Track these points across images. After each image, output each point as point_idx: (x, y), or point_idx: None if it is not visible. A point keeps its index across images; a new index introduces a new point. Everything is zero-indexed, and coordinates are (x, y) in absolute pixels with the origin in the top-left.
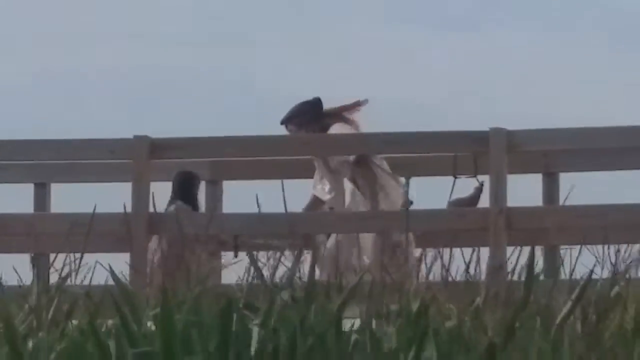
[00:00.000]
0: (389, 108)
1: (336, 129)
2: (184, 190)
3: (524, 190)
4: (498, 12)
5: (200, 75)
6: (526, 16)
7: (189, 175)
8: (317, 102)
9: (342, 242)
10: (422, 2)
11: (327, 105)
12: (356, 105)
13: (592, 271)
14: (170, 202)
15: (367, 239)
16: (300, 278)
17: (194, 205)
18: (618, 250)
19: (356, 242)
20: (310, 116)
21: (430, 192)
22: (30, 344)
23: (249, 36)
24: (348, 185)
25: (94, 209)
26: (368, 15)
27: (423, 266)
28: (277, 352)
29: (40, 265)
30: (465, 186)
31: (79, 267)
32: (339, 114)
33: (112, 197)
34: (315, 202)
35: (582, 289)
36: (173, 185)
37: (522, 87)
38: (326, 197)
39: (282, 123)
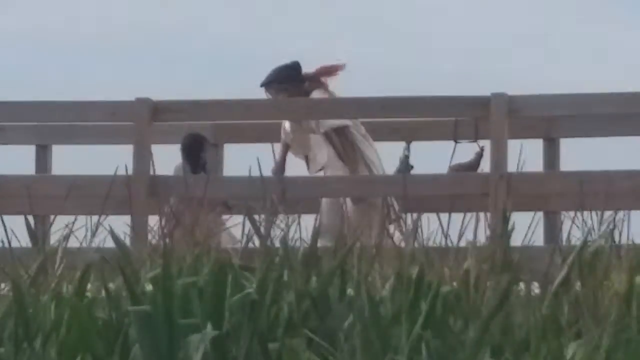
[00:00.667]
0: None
1: (316, 94)
2: (190, 153)
3: (525, 154)
4: None
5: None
6: None
7: (196, 138)
8: (295, 66)
9: (331, 206)
10: None
11: (305, 68)
12: (334, 69)
13: (587, 236)
14: (180, 165)
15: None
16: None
17: (202, 168)
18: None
19: (340, 208)
20: (289, 80)
21: (431, 157)
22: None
23: None
24: (323, 149)
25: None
26: None
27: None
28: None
29: (39, 228)
30: (466, 151)
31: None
32: (317, 78)
33: (113, 160)
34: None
35: (578, 253)
36: (182, 148)
37: None
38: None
39: (261, 86)
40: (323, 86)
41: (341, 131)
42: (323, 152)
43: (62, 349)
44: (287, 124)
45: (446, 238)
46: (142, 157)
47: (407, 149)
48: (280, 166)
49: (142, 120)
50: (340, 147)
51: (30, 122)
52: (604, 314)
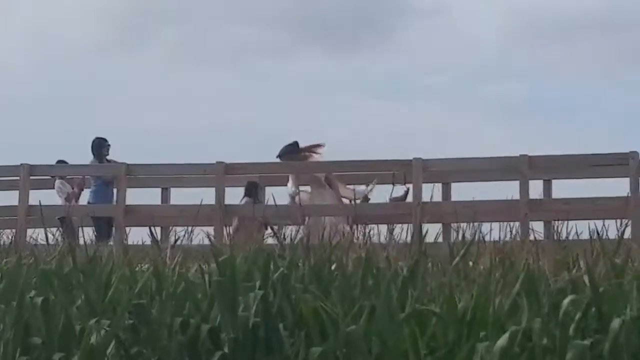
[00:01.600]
0: None
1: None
2: (251, 191)
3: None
4: None
5: None
6: None
7: (254, 184)
8: (295, 145)
9: (315, 221)
10: None
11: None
12: (317, 145)
13: (469, 239)
14: (242, 198)
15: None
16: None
17: (257, 201)
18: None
19: (322, 222)
20: (292, 153)
21: (380, 194)
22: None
23: None
24: (315, 189)
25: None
26: None
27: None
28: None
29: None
30: (398, 190)
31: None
32: (308, 150)
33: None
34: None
35: (466, 248)
36: (245, 189)
37: None
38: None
39: (277, 157)
40: (313, 154)
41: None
42: (320, 192)
43: (177, 301)
44: (290, 178)
45: (390, 238)
46: (220, 194)
47: (370, 188)
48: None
49: (220, 174)
50: (331, 186)
51: (158, 175)
52: (479, 275)
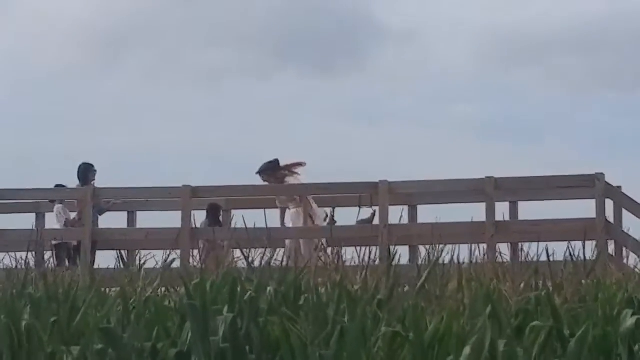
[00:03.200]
0: None
1: (289, 179)
2: (212, 215)
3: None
4: None
5: None
6: None
7: (216, 206)
8: (275, 161)
9: (292, 243)
10: None
11: (282, 162)
12: (298, 164)
13: (435, 261)
14: (205, 222)
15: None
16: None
17: (218, 224)
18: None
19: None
20: (272, 170)
21: (347, 216)
22: None
23: None
24: (292, 209)
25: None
26: None
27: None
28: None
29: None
30: (365, 212)
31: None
32: (288, 168)
33: (171, 219)
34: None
35: (430, 269)
36: (206, 212)
37: None
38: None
39: (256, 173)
40: (293, 173)
41: (305, 199)
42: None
43: (147, 324)
44: (277, 200)
45: (359, 259)
46: (186, 218)
47: (333, 211)
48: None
49: (187, 197)
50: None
51: (126, 199)
52: (447, 298)
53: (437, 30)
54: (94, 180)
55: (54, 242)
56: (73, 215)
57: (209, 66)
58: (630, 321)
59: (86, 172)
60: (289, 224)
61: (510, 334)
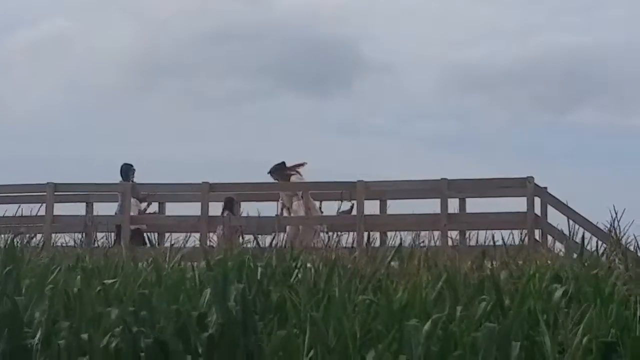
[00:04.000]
0: None
1: (293, 178)
2: (229, 206)
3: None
4: None
5: None
6: None
7: (231, 199)
8: (282, 163)
9: (292, 229)
10: None
11: (288, 164)
12: (300, 164)
13: (400, 243)
14: (222, 212)
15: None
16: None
17: (233, 214)
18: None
19: (298, 230)
20: (280, 170)
21: (331, 208)
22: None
23: None
24: (295, 202)
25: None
26: None
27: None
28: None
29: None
30: (345, 205)
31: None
32: (292, 169)
33: (192, 209)
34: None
35: (396, 250)
36: (224, 203)
37: None
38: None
39: (268, 173)
40: (297, 172)
41: (304, 194)
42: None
43: (172, 292)
44: (283, 195)
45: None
46: (204, 209)
47: (320, 205)
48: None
49: (205, 191)
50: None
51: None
52: (410, 274)
53: (409, 64)
54: (133, 177)
55: (132, 227)
56: (144, 205)
57: (226, 92)
58: (557, 293)
59: (127, 170)
60: (291, 214)
61: (465, 302)
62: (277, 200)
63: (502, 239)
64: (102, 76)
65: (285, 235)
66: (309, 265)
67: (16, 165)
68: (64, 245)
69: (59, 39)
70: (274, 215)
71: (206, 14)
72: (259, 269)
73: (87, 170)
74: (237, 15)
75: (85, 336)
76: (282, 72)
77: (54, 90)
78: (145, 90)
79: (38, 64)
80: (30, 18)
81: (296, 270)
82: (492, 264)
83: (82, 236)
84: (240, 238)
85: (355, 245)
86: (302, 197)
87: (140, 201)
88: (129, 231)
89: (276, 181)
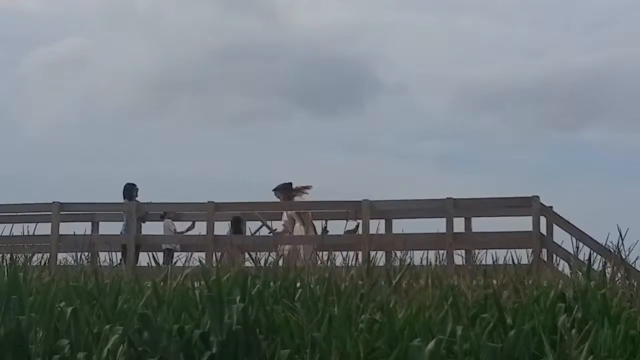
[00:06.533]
0: None
1: (296, 197)
2: (235, 225)
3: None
4: None
5: None
6: None
7: (238, 219)
8: (289, 184)
9: (293, 248)
10: None
11: (295, 185)
12: (306, 187)
13: (406, 262)
14: (228, 230)
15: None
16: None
17: (240, 233)
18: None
19: (298, 248)
20: (285, 190)
21: (337, 227)
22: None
23: None
24: (297, 224)
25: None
26: None
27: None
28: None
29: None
30: (351, 224)
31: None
32: (298, 190)
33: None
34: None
35: (403, 270)
36: (230, 223)
37: None
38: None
39: (272, 190)
40: (301, 194)
41: (304, 214)
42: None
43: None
44: (284, 214)
45: (345, 261)
46: (210, 228)
47: (326, 223)
48: (287, 229)
49: (211, 211)
50: (302, 220)
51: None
52: (415, 293)
53: (421, 84)
54: (136, 196)
55: (164, 247)
56: (174, 224)
57: (240, 110)
58: (563, 315)
59: (130, 190)
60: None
61: (466, 322)
62: (281, 220)
63: (508, 258)
64: (117, 94)
65: (286, 253)
66: (311, 285)
67: (29, 184)
68: (69, 264)
69: (76, 57)
70: (270, 234)
71: (222, 31)
72: (257, 287)
73: (102, 189)
74: (253, 34)
75: (81, 355)
76: (295, 91)
77: (69, 108)
78: (162, 107)
79: (54, 82)
80: (47, 36)
81: (299, 290)
82: (496, 283)
83: (87, 255)
84: (242, 256)
85: (359, 264)
86: (302, 218)
87: (143, 221)
88: (133, 251)
89: (279, 200)
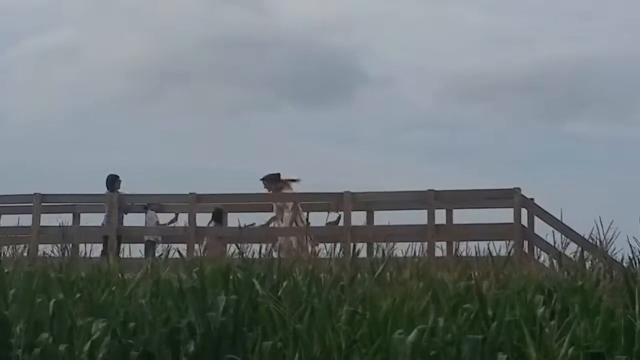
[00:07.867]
0: None
1: (284, 189)
2: (217, 216)
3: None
4: None
5: None
6: None
7: (219, 210)
8: (276, 174)
9: (285, 240)
10: None
11: (283, 176)
12: (294, 180)
13: (388, 253)
14: (210, 222)
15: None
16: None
17: (221, 223)
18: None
19: (289, 240)
20: (272, 180)
21: (319, 219)
22: None
23: None
24: (286, 213)
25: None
26: None
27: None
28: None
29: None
30: (332, 216)
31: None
32: (286, 182)
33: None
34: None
35: (385, 261)
36: (212, 214)
37: None
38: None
39: (260, 179)
40: (288, 186)
41: (293, 205)
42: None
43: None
44: (274, 206)
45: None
46: (192, 219)
47: (308, 215)
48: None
49: (192, 202)
50: (292, 211)
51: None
52: (397, 284)
53: (409, 76)
54: (119, 188)
55: (146, 239)
56: (157, 216)
57: (228, 101)
58: (541, 307)
59: (113, 181)
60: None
61: (447, 312)
62: (266, 211)
63: (489, 249)
64: (105, 84)
65: (277, 245)
66: (294, 276)
67: (16, 174)
68: (50, 255)
69: (64, 47)
70: (256, 225)
71: (211, 22)
72: (243, 279)
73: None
74: (241, 25)
75: (62, 347)
76: (283, 82)
77: (57, 99)
78: (150, 98)
79: (43, 72)
80: (36, 26)
81: (284, 282)
82: (477, 274)
83: (68, 247)
84: (226, 248)
85: (342, 256)
86: (291, 209)
87: (125, 212)
88: (115, 242)
89: (266, 190)
